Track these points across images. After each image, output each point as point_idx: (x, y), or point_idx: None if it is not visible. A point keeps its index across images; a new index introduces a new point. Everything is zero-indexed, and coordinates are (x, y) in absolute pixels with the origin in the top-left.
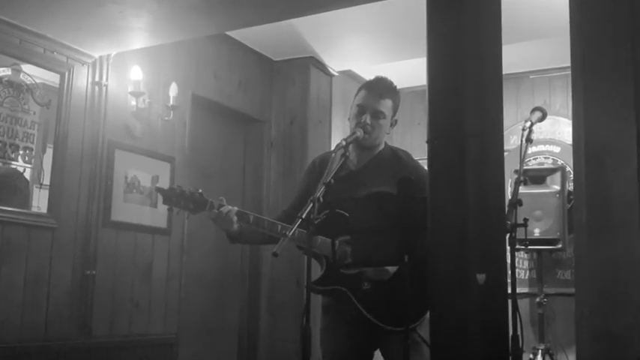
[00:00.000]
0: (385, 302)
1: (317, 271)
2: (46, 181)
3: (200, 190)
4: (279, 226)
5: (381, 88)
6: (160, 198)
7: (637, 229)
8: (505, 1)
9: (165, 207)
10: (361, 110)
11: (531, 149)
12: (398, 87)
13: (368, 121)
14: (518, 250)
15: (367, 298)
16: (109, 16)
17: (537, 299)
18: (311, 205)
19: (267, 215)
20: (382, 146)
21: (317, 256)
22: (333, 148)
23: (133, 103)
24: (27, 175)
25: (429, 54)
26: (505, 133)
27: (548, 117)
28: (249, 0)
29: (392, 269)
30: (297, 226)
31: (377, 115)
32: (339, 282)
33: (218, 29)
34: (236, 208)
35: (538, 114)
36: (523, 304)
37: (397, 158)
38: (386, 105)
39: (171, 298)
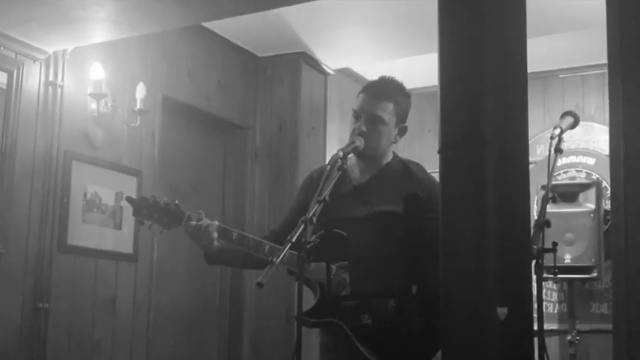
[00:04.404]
0: (389, 339)
1: (310, 301)
2: None
3: (176, 202)
4: (267, 247)
5: (380, 89)
6: (130, 210)
7: None
8: None
9: (132, 230)
10: (356, 116)
11: (561, 161)
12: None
13: (363, 127)
14: (546, 279)
15: (367, 334)
16: (65, 4)
17: (568, 337)
18: (302, 226)
19: None
20: (389, 157)
21: (310, 284)
22: (328, 159)
23: (94, 106)
24: None
25: (441, 49)
26: (530, 142)
27: (581, 123)
28: None
29: (397, 301)
30: (287, 250)
31: (374, 120)
32: (334, 314)
33: (193, 20)
34: (216, 223)
35: (569, 119)
36: (552, 343)
37: (407, 171)
38: (385, 109)
39: (139, 336)
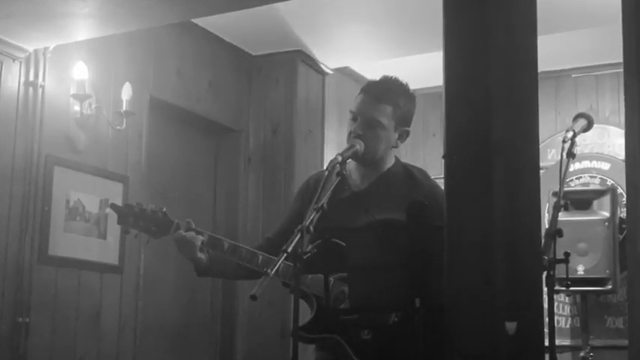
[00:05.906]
0: (390, 356)
1: (306, 315)
2: None
3: (164, 209)
4: (260, 258)
5: (380, 90)
6: (115, 219)
7: None
8: None
9: (117, 239)
10: (353, 117)
11: (574, 166)
12: None
13: (359, 130)
14: (558, 292)
15: (367, 351)
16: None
17: (582, 353)
18: (299, 236)
19: None
20: (391, 162)
21: (306, 297)
22: (326, 164)
23: (77, 108)
24: None
25: (446, 47)
26: (541, 146)
27: (595, 126)
28: None
29: (399, 315)
30: (283, 261)
31: (371, 123)
32: (332, 329)
33: (182, 16)
34: (207, 233)
35: (582, 122)
36: None
37: (410, 177)
38: (383, 111)
39: (124, 352)
